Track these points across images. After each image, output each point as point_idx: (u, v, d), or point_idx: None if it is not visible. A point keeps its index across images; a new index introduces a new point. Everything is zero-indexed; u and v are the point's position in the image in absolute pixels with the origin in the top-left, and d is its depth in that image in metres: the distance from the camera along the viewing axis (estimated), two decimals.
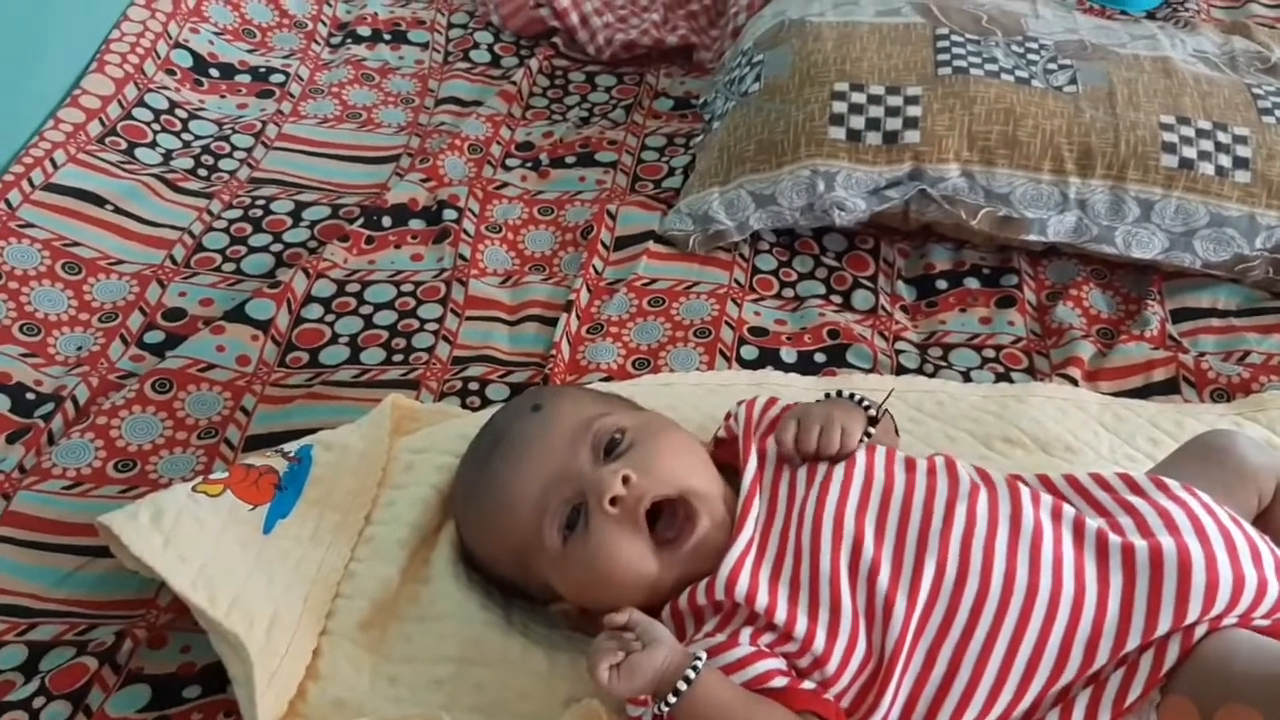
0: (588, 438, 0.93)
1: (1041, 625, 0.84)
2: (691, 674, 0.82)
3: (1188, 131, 1.38)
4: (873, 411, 0.97)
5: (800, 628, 0.85)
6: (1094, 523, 0.89)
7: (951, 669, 0.84)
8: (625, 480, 0.89)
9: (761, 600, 0.86)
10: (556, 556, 0.91)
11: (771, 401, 1.04)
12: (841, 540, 0.88)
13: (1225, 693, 0.80)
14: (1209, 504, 0.90)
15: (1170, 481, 0.92)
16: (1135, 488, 0.92)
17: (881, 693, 0.84)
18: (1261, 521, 0.96)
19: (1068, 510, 0.90)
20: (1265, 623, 0.86)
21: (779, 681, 0.84)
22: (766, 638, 0.86)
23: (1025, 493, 0.91)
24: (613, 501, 0.88)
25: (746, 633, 0.86)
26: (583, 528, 0.90)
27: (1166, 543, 0.85)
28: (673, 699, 0.81)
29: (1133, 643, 0.83)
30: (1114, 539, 0.87)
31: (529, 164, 1.61)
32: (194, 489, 0.99)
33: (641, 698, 0.86)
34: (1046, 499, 0.91)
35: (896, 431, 1.08)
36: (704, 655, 0.83)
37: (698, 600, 0.88)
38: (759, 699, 0.83)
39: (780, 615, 0.85)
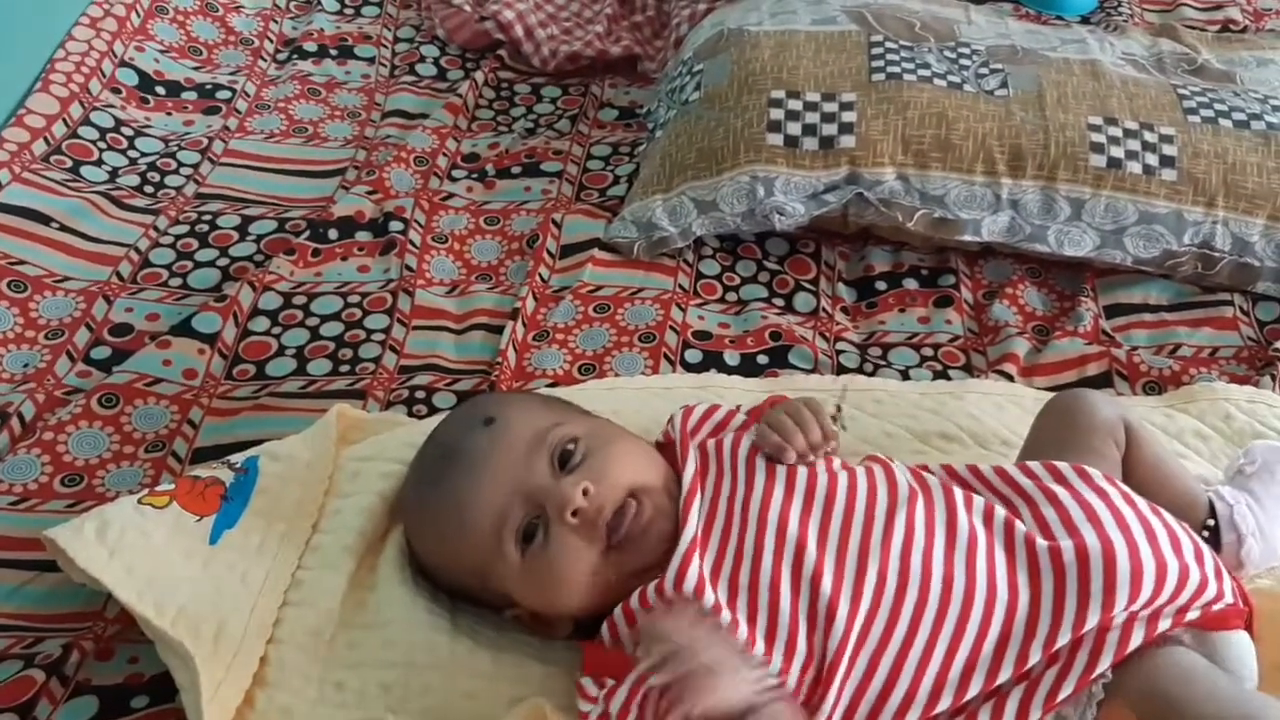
0: (543, 450, 0.94)
1: (977, 631, 0.86)
2: None
3: (1115, 132, 1.42)
4: (831, 411, 0.99)
5: (740, 632, 0.86)
6: (1023, 527, 0.91)
7: (893, 675, 0.86)
8: (585, 492, 0.91)
9: (709, 596, 0.87)
10: (516, 568, 0.92)
11: (711, 409, 1.06)
12: (784, 545, 0.89)
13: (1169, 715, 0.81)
14: (1128, 493, 0.93)
15: (1093, 471, 0.95)
16: (1058, 476, 0.95)
17: (823, 698, 0.85)
18: (1127, 467, 1.01)
19: (999, 513, 0.92)
20: (1195, 614, 0.88)
21: None
22: None
23: (959, 496, 0.94)
24: (574, 513, 0.90)
25: None
26: (542, 539, 0.91)
27: (1091, 540, 0.88)
28: None
29: (1063, 638, 0.85)
30: (1041, 543, 0.89)
31: (475, 175, 1.62)
32: (140, 501, 1.00)
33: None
34: (979, 502, 0.94)
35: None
36: None
37: (649, 599, 0.89)
38: None
39: (724, 616, 0.86)
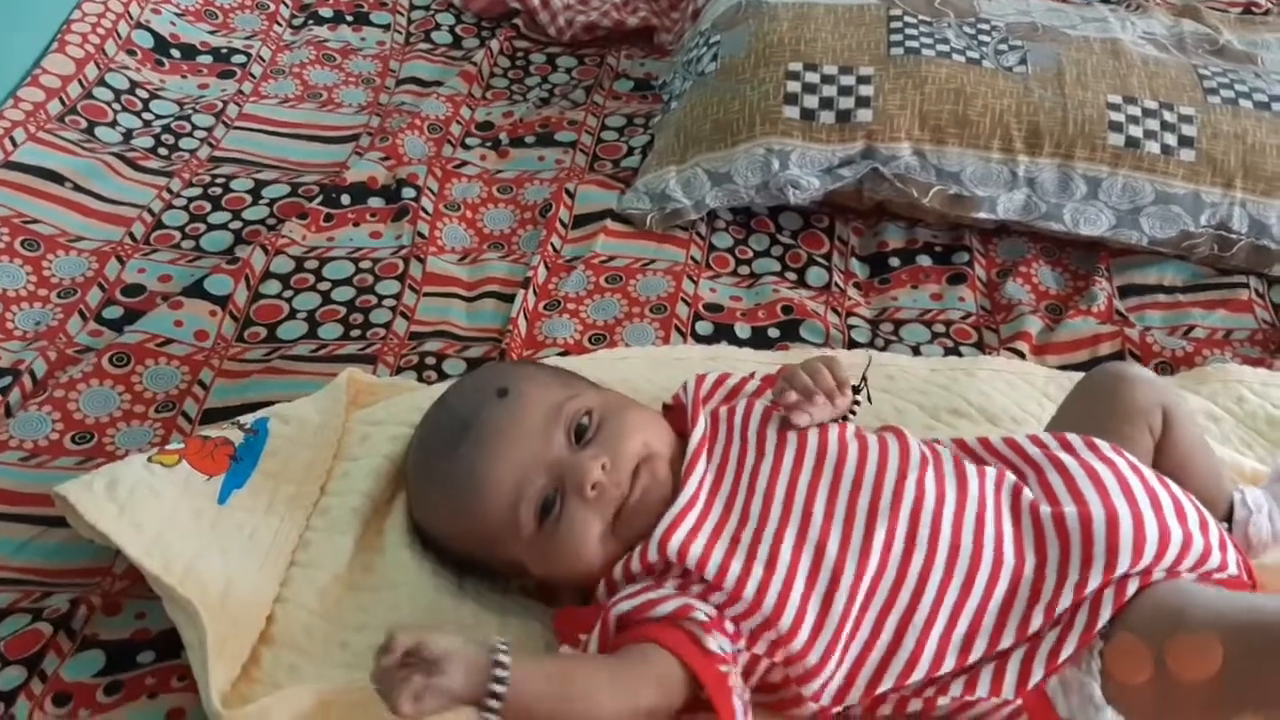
0: (559, 423, 0.94)
1: (982, 595, 0.87)
2: (502, 663, 0.76)
3: (1134, 111, 1.41)
4: (856, 384, 0.99)
5: (731, 577, 0.86)
6: (1029, 494, 0.91)
7: (898, 637, 0.86)
8: (603, 467, 0.91)
9: (694, 555, 0.87)
10: (531, 539, 0.92)
11: (724, 376, 1.05)
12: (791, 511, 0.90)
13: (1177, 628, 0.82)
14: (1135, 463, 0.94)
15: (1100, 442, 0.95)
16: (1067, 445, 0.95)
17: (825, 659, 0.85)
18: (1160, 453, 1.00)
19: (1008, 479, 0.93)
20: (1191, 576, 0.88)
21: (700, 614, 0.84)
22: (695, 589, 0.87)
23: (970, 468, 0.94)
24: (593, 487, 0.91)
25: (673, 582, 0.88)
26: (558, 512, 0.91)
27: (1095, 507, 0.88)
28: (497, 691, 0.76)
29: (1064, 602, 0.86)
30: (1045, 510, 0.89)
31: (488, 143, 1.62)
32: (150, 459, 1.00)
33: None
34: (990, 472, 0.94)
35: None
36: (503, 645, 0.78)
37: (631, 567, 0.90)
38: (575, 659, 0.84)
39: (711, 568, 0.86)
